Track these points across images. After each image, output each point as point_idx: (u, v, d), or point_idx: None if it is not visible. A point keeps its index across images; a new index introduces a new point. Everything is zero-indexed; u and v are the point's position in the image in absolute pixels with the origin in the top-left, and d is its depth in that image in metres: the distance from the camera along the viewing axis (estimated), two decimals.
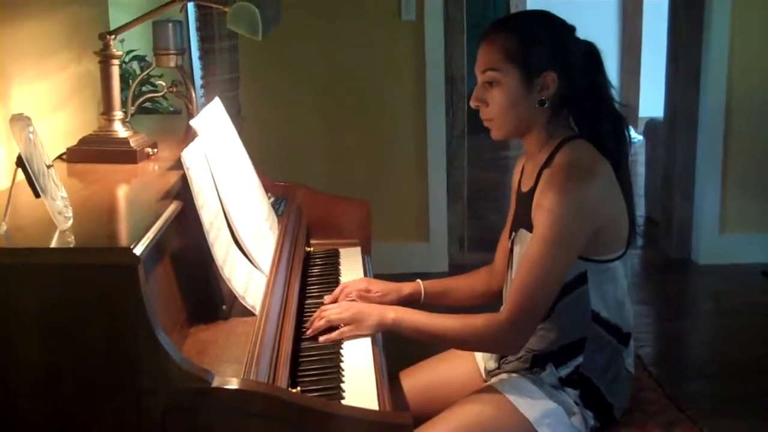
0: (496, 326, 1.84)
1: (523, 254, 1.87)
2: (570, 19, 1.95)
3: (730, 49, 4.59)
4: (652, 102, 6.84)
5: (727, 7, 4.55)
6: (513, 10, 8.22)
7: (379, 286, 2.12)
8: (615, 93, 1.98)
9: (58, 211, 1.43)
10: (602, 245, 1.88)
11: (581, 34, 1.96)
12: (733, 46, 4.60)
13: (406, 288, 2.16)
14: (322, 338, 1.86)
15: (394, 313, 1.91)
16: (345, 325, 1.88)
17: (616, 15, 8.50)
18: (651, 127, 5.56)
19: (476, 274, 2.25)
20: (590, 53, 1.94)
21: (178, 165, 1.73)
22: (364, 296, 2.07)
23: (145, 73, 2.59)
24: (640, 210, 5.58)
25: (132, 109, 2.26)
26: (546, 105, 1.90)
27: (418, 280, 2.19)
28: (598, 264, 1.89)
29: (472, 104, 1.95)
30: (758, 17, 4.60)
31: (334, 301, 2.04)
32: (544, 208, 1.82)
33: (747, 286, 4.50)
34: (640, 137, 6.04)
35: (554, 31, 1.92)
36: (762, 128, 4.68)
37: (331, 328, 1.88)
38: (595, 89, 1.94)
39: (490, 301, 2.20)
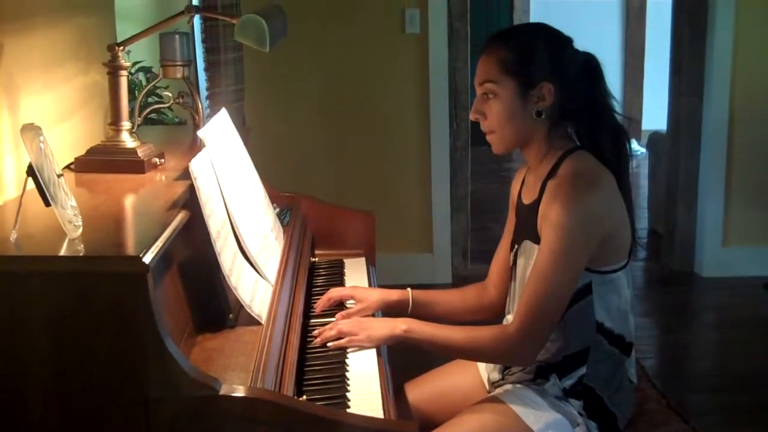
0: (506, 339, 1.85)
1: (531, 266, 1.88)
2: (573, 31, 1.96)
3: (733, 61, 4.61)
4: (655, 114, 6.85)
5: (730, 19, 4.57)
6: (516, 22, 8.26)
7: (363, 294, 2.11)
8: (617, 104, 1.98)
9: (68, 220, 1.44)
10: (606, 256, 1.88)
11: (584, 46, 1.97)
12: (737, 59, 4.61)
13: (394, 295, 2.15)
14: (331, 343, 1.87)
15: (405, 325, 1.91)
16: (355, 335, 1.89)
17: (618, 27, 8.51)
18: (654, 140, 5.57)
19: (468, 289, 2.25)
20: (588, 64, 1.95)
21: (185, 175, 1.74)
22: (350, 312, 2.06)
23: (152, 84, 2.60)
24: (644, 222, 5.58)
25: (139, 120, 2.27)
26: (543, 116, 1.90)
27: (408, 289, 2.18)
28: (603, 275, 1.89)
29: (472, 117, 1.96)
30: (761, 29, 4.61)
31: (321, 310, 2.07)
32: (551, 220, 1.83)
33: (750, 299, 4.50)
34: (643, 150, 6.05)
35: (550, 42, 1.93)
36: (765, 140, 4.69)
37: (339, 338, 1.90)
38: (595, 101, 1.94)
39: (480, 316, 2.20)
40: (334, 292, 2.12)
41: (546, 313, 1.83)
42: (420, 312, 2.14)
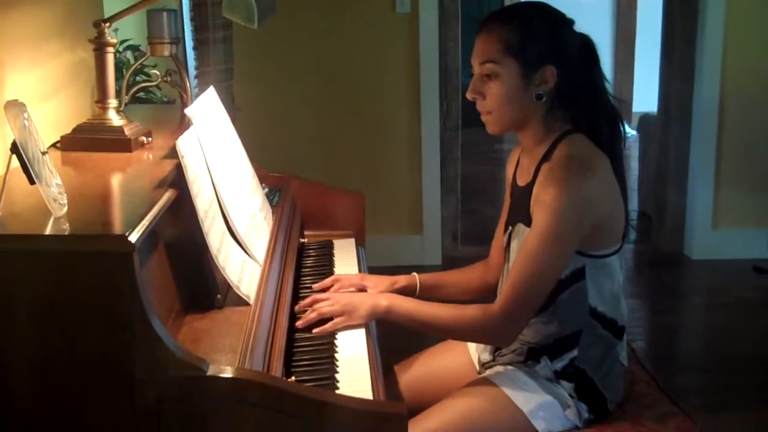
0: (488, 317, 1.84)
1: (520, 247, 1.86)
2: (564, 11, 1.93)
3: (724, 43, 4.60)
4: (645, 97, 6.84)
5: (722, 1, 4.55)
6: (508, 1, 8.24)
7: (373, 281, 2.10)
8: (609, 87, 1.97)
9: (53, 198, 1.42)
10: (600, 240, 1.88)
11: (575, 27, 1.95)
12: (727, 41, 4.60)
13: (401, 280, 2.14)
14: (315, 330, 1.84)
15: (386, 301, 1.90)
16: (337, 316, 1.88)
17: (610, 9, 8.50)
18: (645, 122, 5.56)
19: (472, 268, 2.24)
20: (586, 46, 1.93)
21: (173, 154, 1.72)
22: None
23: (140, 62, 2.57)
24: (633, 205, 5.59)
25: (126, 99, 2.24)
26: (544, 99, 1.89)
27: (414, 273, 2.17)
28: (596, 259, 1.88)
29: (469, 96, 1.92)
30: (752, 12, 4.61)
31: (325, 289, 2.03)
32: (543, 203, 1.81)
33: (739, 281, 4.52)
34: (634, 132, 6.04)
35: (554, 24, 1.90)
36: (755, 123, 4.69)
37: (324, 320, 1.87)
38: (592, 84, 1.93)
39: (486, 296, 2.19)
40: (345, 280, 2.08)
41: (531, 295, 1.82)
42: (427, 295, 2.14)
